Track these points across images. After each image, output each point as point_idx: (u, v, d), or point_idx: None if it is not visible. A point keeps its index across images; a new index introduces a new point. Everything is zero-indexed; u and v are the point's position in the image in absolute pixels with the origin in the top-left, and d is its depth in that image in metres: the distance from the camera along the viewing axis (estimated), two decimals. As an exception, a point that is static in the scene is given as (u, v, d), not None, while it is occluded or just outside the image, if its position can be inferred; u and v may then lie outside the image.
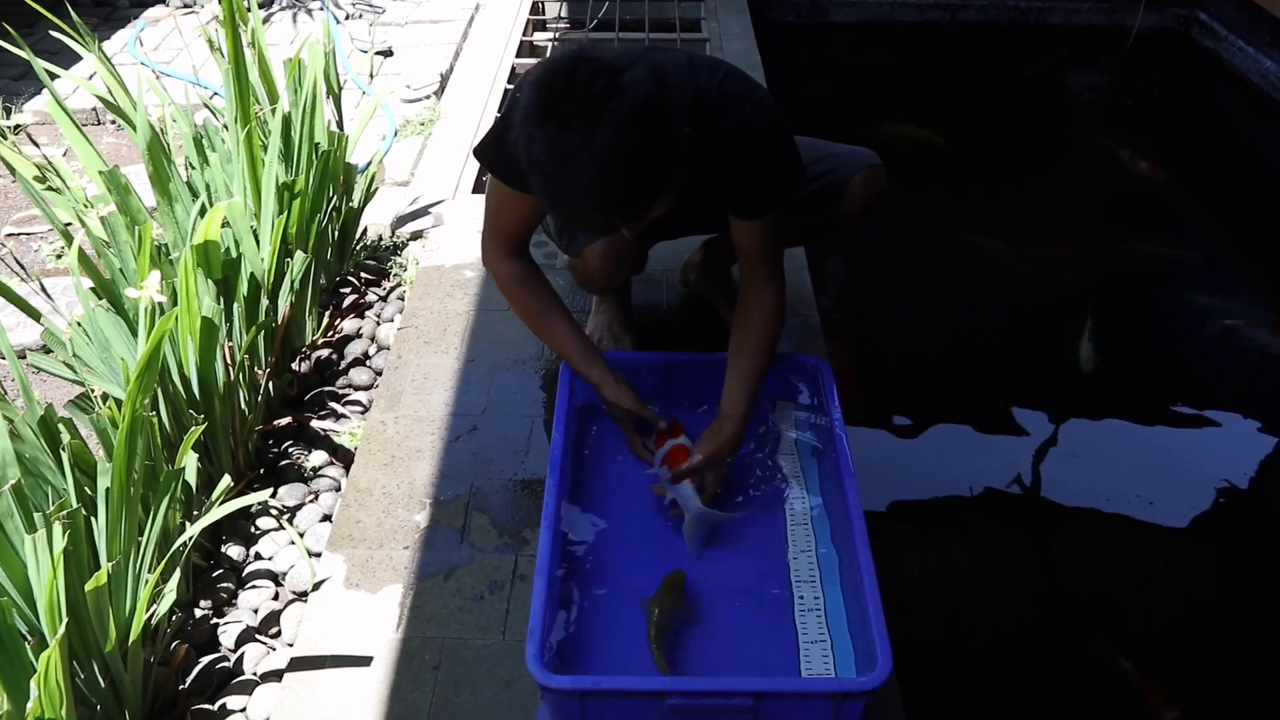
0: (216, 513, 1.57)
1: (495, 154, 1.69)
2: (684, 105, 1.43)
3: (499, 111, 3.48)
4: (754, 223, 1.72)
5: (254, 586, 1.81)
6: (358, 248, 2.67)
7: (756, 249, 1.75)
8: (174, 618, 1.69)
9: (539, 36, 4.25)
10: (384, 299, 2.57)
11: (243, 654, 1.69)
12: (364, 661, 1.61)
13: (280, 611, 1.76)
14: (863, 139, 2.04)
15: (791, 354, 2.14)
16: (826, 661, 1.55)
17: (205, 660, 1.67)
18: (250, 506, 1.89)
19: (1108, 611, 2.20)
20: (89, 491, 1.49)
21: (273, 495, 1.95)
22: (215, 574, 1.82)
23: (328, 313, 2.46)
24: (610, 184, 1.33)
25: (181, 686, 1.63)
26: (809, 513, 1.81)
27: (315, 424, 2.14)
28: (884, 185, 1.95)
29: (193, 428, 1.58)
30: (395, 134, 3.25)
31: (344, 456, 2.09)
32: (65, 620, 1.26)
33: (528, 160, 1.36)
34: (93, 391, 1.73)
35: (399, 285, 2.61)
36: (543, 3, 4.57)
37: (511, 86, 3.69)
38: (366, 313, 2.52)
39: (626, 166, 1.32)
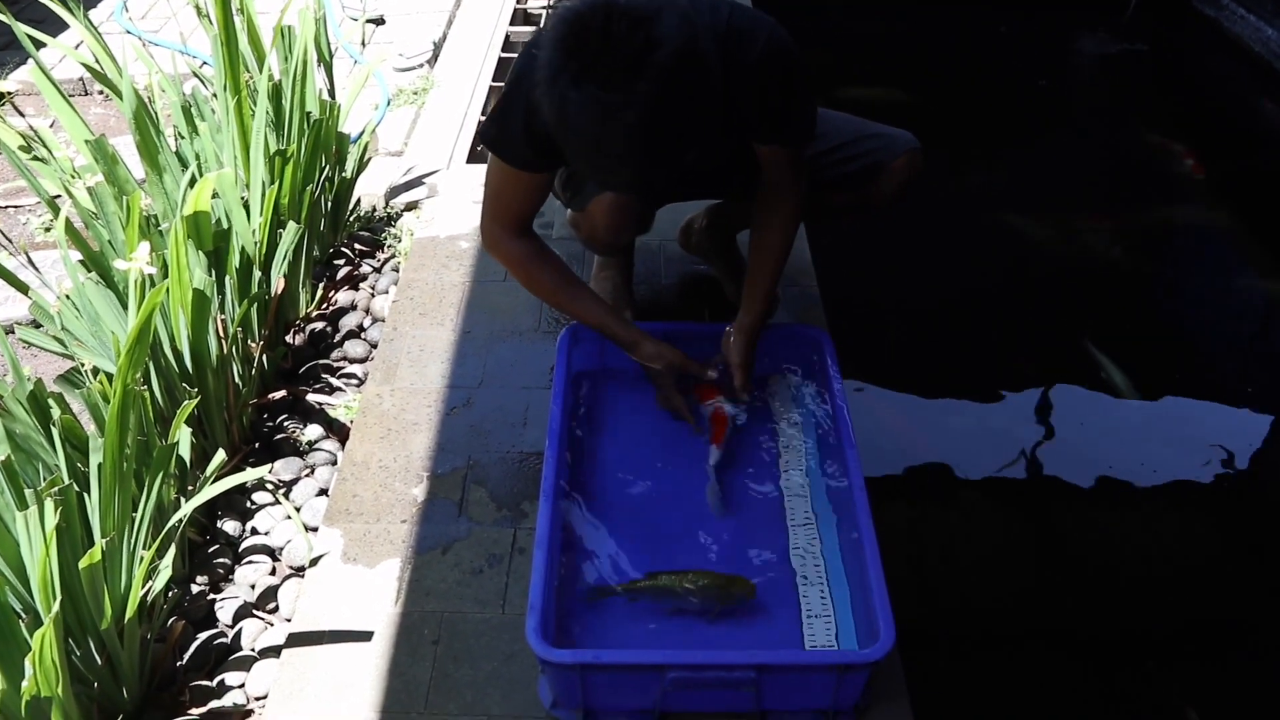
0: (212, 489, 1.55)
1: (498, 133, 1.65)
2: (711, 44, 1.39)
3: (502, 83, 3.43)
4: (788, 150, 1.72)
5: (251, 562, 1.79)
6: (351, 219, 2.64)
7: (787, 159, 1.75)
8: (170, 594, 1.67)
9: (533, 3, 4.19)
10: (378, 270, 2.55)
11: (240, 630, 1.67)
12: (363, 636, 1.60)
13: (277, 587, 1.75)
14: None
15: (791, 324, 2.13)
16: (829, 634, 1.54)
17: (203, 636, 1.66)
18: (246, 482, 1.87)
19: (1110, 585, 2.20)
20: (81, 467, 1.47)
21: (268, 470, 1.93)
22: (211, 549, 1.81)
23: (321, 285, 2.43)
24: (655, 138, 1.31)
25: (179, 663, 1.62)
26: (809, 484, 1.80)
27: (310, 397, 2.11)
28: (922, 169, 1.93)
29: (186, 402, 1.56)
30: (388, 103, 3.21)
31: (339, 430, 2.06)
32: (59, 598, 1.25)
33: (560, 123, 1.33)
34: (83, 366, 1.71)
35: (393, 257, 2.58)
36: (536, -31, 4.51)
37: (509, 55, 3.64)
38: (361, 285, 2.49)
39: (670, 119, 1.30)
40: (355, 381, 2.19)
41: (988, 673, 2.00)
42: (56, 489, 1.26)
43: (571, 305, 1.85)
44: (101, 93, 3.44)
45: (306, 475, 1.97)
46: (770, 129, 1.68)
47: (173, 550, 1.54)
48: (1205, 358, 2.96)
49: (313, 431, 2.05)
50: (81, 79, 3.44)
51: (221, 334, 1.83)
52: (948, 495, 2.38)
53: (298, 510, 1.88)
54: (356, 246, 2.60)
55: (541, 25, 3.88)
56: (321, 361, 2.23)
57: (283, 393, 2.09)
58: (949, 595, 2.15)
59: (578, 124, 1.31)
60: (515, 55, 3.68)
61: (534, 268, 1.83)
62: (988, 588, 2.18)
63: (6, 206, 2.81)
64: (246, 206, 2.01)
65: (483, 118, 3.19)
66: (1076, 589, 2.18)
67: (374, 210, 2.74)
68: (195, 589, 1.74)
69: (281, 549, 1.82)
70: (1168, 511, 2.40)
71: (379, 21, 3.86)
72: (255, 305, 1.96)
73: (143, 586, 1.44)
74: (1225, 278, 3.33)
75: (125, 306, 1.76)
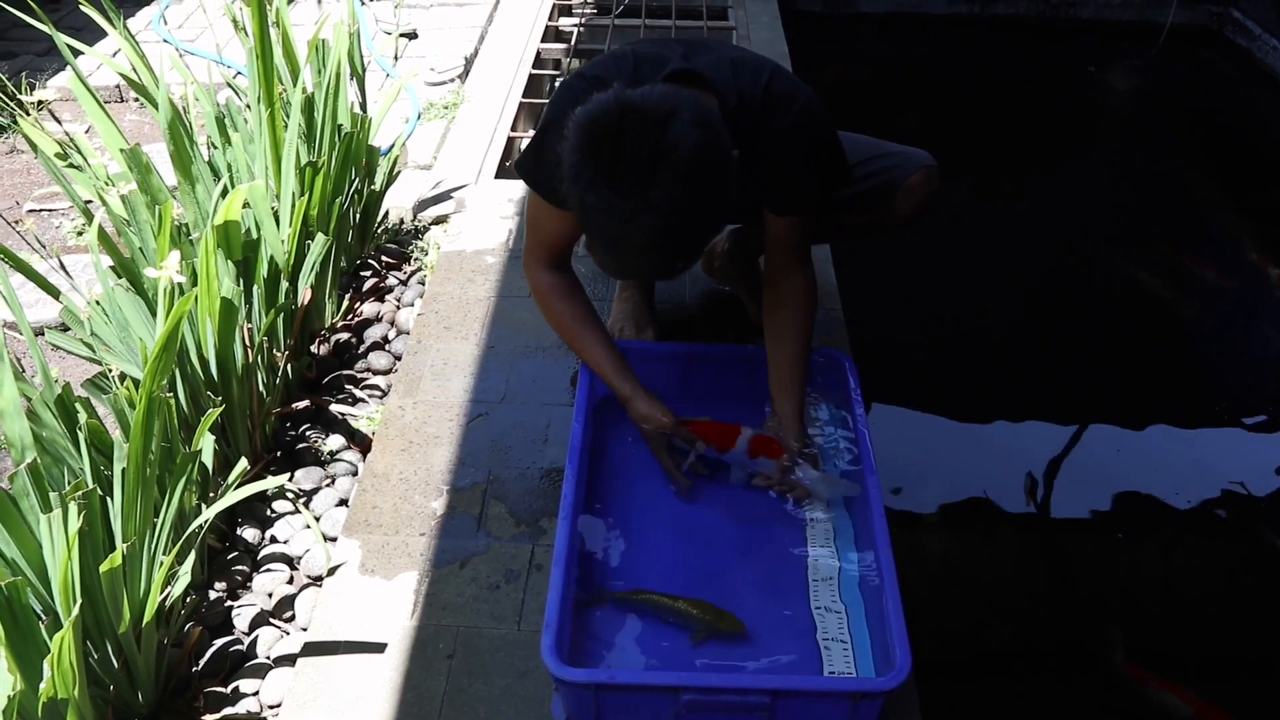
0: (233, 496, 1.56)
1: (534, 167, 1.69)
2: (727, 137, 1.40)
3: (533, 100, 3.45)
4: (792, 219, 1.73)
5: (269, 570, 1.80)
6: (379, 231, 2.66)
7: (791, 240, 1.76)
8: (188, 599, 1.68)
9: (564, 21, 4.22)
10: (404, 283, 2.56)
11: (256, 637, 1.68)
12: (378, 648, 1.60)
13: (295, 596, 1.75)
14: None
15: (814, 348, 2.12)
16: (848, 660, 1.53)
17: (219, 643, 1.66)
18: (267, 490, 1.88)
19: (1127, 615, 2.17)
20: (105, 472, 1.48)
21: (289, 479, 1.94)
22: (230, 556, 1.82)
23: (347, 296, 2.44)
24: (671, 240, 1.35)
25: (195, 668, 1.63)
26: (829, 509, 1.79)
27: (333, 408, 2.13)
28: (938, 187, 1.93)
29: (210, 409, 1.57)
30: (419, 117, 3.24)
31: (361, 441, 2.07)
32: (80, 601, 1.25)
33: (583, 215, 1.37)
34: (110, 371, 1.72)
35: (420, 270, 2.60)
36: (568, -12, 4.54)
37: (540, 71, 3.67)
38: (386, 297, 2.50)
39: (686, 220, 1.34)
40: (378, 393, 2.20)
41: (1002, 702, 1.98)
42: (80, 493, 1.27)
43: (582, 348, 1.84)
44: (136, 100, 3.49)
45: (327, 485, 1.97)
46: (778, 192, 1.69)
47: (192, 556, 1.55)
48: (1229, 389, 2.93)
49: (334, 442, 2.06)
50: (117, 86, 3.49)
51: (247, 343, 1.84)
52: (966, 521, 2.37)
53: (317, 520, 1.88)
54: (383, 259, 2.62)
55: (571, 55, 3.91)
56: (345, 372, 2.24)
57: (306, 403, 2.10)
58: (965, 622, 2.13)
59: (596, 225, 1.36)
60: (545, 72, 3.73)
61: (556, 303, 1.84)
62: (1004, 616, 2.16)
63: (40, 210, 2.85)
64: (276, 217, 2.03)
65: (513, 134, 3.21)
66: (1092, 618, 2.16)
67: (402, 223, 2.76)
68: (213, 595, 1.75)
69: (300, 558, 1.83)
70: (1186, 542, 2.37)
71: (412, 36, 3.90)
72: (282, 315, 1.98)
73: (161, 592, 1.45)
74: (1252, 309, 3.29)
75: (154, 314, 1.78)
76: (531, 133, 3.28)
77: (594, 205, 1.33)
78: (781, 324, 1.81)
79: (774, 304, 1.82)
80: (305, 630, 1.67)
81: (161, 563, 1.47)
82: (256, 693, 1.59)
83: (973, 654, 2.09)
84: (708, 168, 1.33)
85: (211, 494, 1.75)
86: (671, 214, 1.31)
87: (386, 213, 2.72)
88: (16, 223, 2.75)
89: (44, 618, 1.37)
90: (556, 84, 3.93)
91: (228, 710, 1.56)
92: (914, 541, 2.23)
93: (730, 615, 1.58)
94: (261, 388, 1.93)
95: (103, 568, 1.30)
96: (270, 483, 1.60)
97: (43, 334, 2.23)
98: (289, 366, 2.07)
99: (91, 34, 3.54)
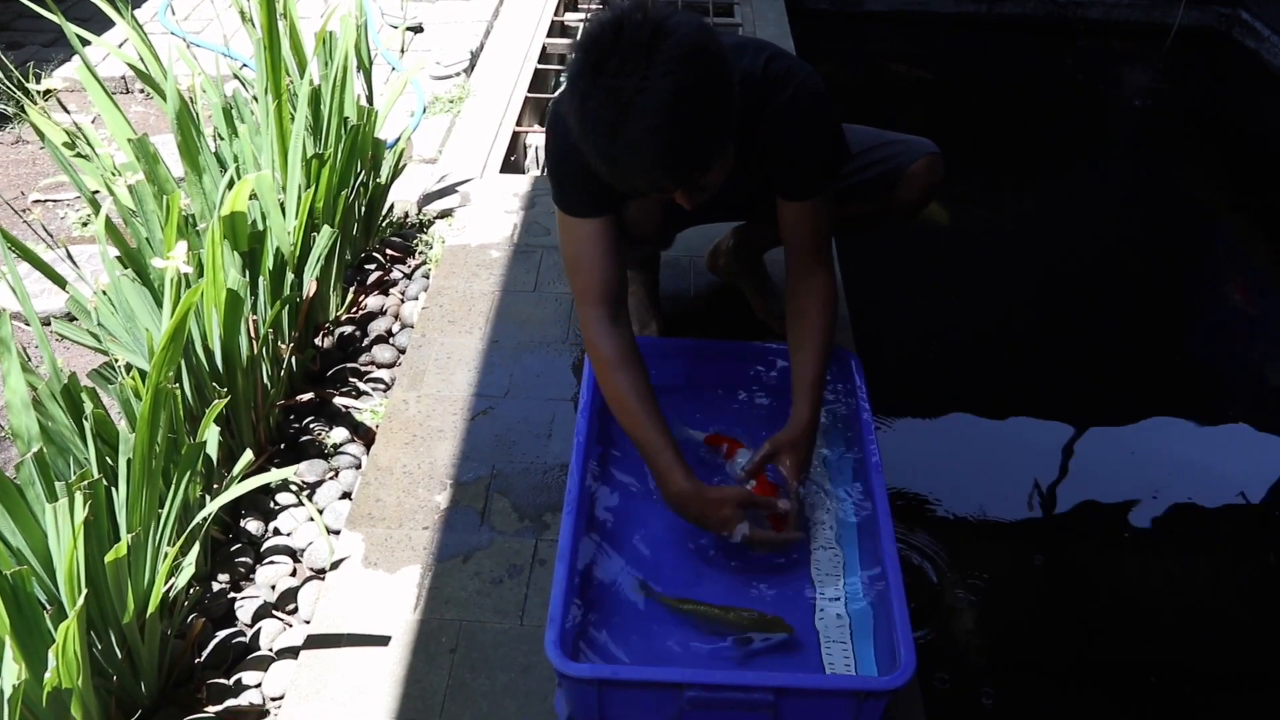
0: (237, 489, 1.56)
1: (558, 189, 1.66)
2: (730, 60, 1.40)
3: (538, 95, 3.45)
4: (804, 205, 1.69)
5: (272, 562, 1.80)
6: (384, 224, 2.65)
7: (806, 232, 1.72)
8: (191, 591, 1.68)
9: (570, 17, 4.22)
10: (409, 276, 2.56)
11: (259, 629, 1.68)
12: (381, 641, 1.60)
13: (298, 588, 1.75)
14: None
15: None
16: (848, 659, 1.53)
17: (221, 634, 1.66)
18: (271, 482, 1.88)
19: (1132, 620, 2.17)
20: (110, 462, 1.48)
21: (294, 473, 1.94)
22: (233, 548, 1.82)
23: (352, 289, 2.44)
24: (670, 125, 1.31)
25: (197, 660, 1.63)
26: (834, 507, 1.78)
27: (337, 400, 2.13)
28: (943, 175, 1.92)
29: (215, 401, 1.57)
30: (424, 110, 3.23)
31: (365, 434, 2.07)
32: (85, 591, 1.25)
33: (582, 123, 1.35)
34: (116, 361, 1.72)
35: (424, 263, 2.59)
36: (575, -17, 4.54)
37: (545, 66, 3.66)
38: (391, 290, 2.50)
39: (685, 106, 1.31)
40: (382, 386, 2.20)
41: (1005, 704, 1.98)
42: (86, 483, 1.27)
43: (634, 427, 1.65)
44: (142, 91, 3.49)
45: (330, 478, 1.97)
46: (786, 175, 1.68)
47: (196, 548, 1.55)
48: (1238, 395, 2.92)
49: (338, 434, 2.06)
50: (124, 77, 3.49)
51: (253, 334, 1.84)
52: (971, 520, 2.36)
53: (320, 513, 1.88)
54: (388, 252, 2.61)
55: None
56: (349, 365, 2.24)
57: (310, 395, 2.10)
58: (969, 623, 2.13)
59: (598, 117, 1.32)
60: (551, 67, 3.72)
61: (620, 377, 1.66)
62: (1008, 618, 2.16)
63: (45, 200, 2.85)
64: (282, 209, 2.02)
65: (518, 128, 3.21)
66: (1097, 622, 2.15)
67: (406, 216, 2.76)
68: (216, 587, 1.75)
69: (303, 550, 1.83)
70: (1194, 549, 2.37)
71: (417, 29, 3.89)
72: (287, 307, 1.97)
73: (165, 583, 1.45)
74: (1262, 313, 3.29)
75: (160, 304, 1.78)
76: (538, 126, 3.29)
77: (594, 95, 1.31)
78: (802, 336, 1.73)
79: (796, 312, 1.74)
80: (308, 623, 1.68)
81: (166, 554, 1.47)
82: (259, 684, 1.59)
83: (975, 654, 2.09)
84: (707, 60, 1.33)
85: (216, 485, 1.75)
86: (669, 97, 1.29)
87: (391, 206, 2.72)
88: (24, 211, 2.75)
89: (48, 607, 1.37)
90: (561, 79, 3.93)
91: (230, 702, 1.56)
92: (919, 539, 2.22)
93: (779, 620, 1.55)
94: (266, 380, 1.93)
95: (108, 558, 1.30)
96: (274, 475, 1.60)
97: (49, 324, 2.23)
98: (293, 359, 2.07)
99: (98, 24, 3.54)
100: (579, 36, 1.35)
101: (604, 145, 1.36)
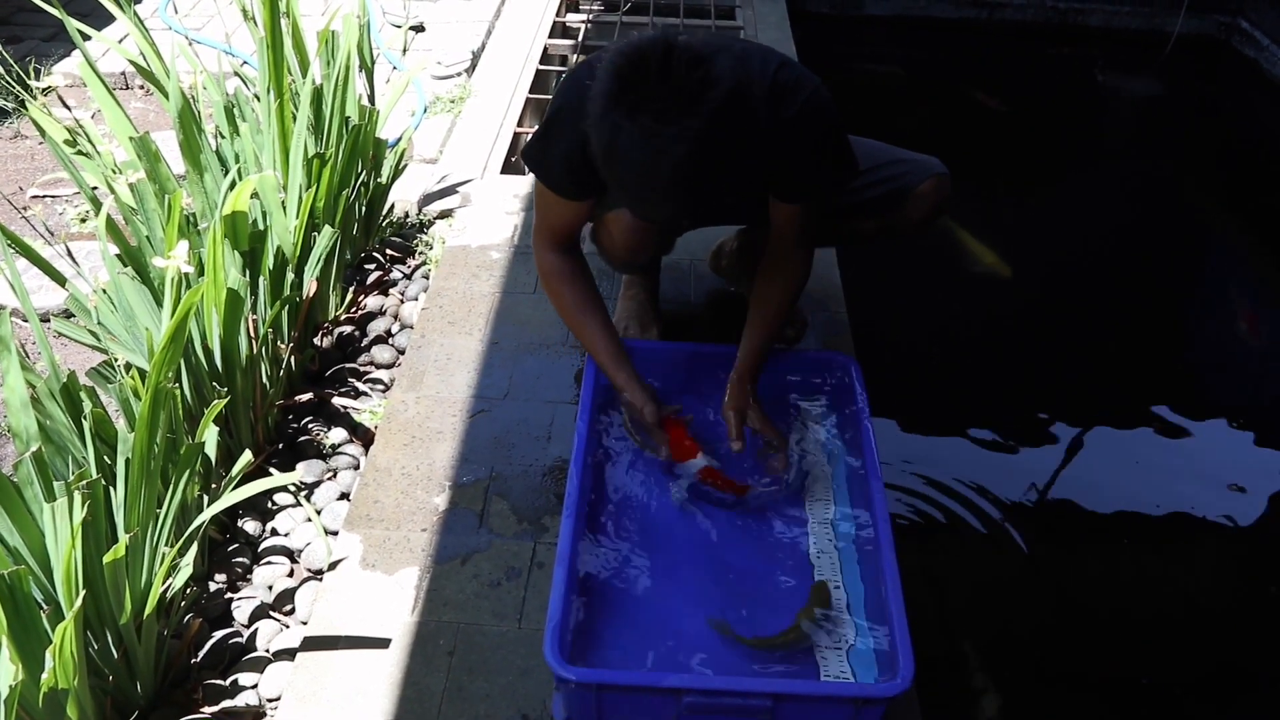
0: (235, 495, 1.55)
1: (541, 156, 1.70)
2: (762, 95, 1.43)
3: (539, 95, 3.44)
4: (796, 206, 1.73)
5: (269, 563, 1.79)
6: (384, 224, 2.65)
7: (793, 228, 1.77)
8: (188, 591, 1.67)
9: (571, 18, 4.22)
10: (408, 277, 2.55)
11: (256, 630, 1.67)
12: (378, 643, 1.59)
13: (295, 589, 1.75)
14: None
15: (819, 351, 2.12)
16: (842, 665, 1.53)
17: (218, 635, 1.66)
18: (270, 488, 1.88)
19: (1129, 626, 2.17)
20: (108, 462, 1.48)
21: (297, 479, 1.93)
22: (231, 548, 1.81)
23: (352, 289, 2.44)
24: (699, 174, 1.34)
25: (194, 660, 1.62)
26: (832, 513, 1.78)
27: (336, 401, 2.12)
28: (950, 195, 1.92)
29: (215, 401, 1.56)
30: (425, 110, 3.23)
31: (363, 435, 2.07)
32: (83, 592, 1.25)
33: (608, 152, 1.36)
34: (115, 360, 1.72)
35: (424, 264, 2.59)
36: (576, -16, 4.53)
37: (546, 68, 3.66)
38: (390, 290, 2.50)
39: (716, 157, 1.34)
40: (381, 387, 2.19)
41: (1003, 711, 1.98)
42: (84, 483, 1.27)
43: (582, 331, 1.86)
44: (142, 87, 3.48)
45: (329, 479, 1.97)
46: (784, 180, 1.70)
47: (194, 548, 1.54)
48: (1235, 399, 2.93)
49: (337, 435, 2.05)
50: (123, 73, 3.48)
51: (252, 334, 1.84)
52: (969, 525, 2.36)
53: (318, 513, 1.88)
54: (388, 252, 2.61)
55: (578, 52, 3.90)
56: (348, 365, 2.23)
57: (309, 395, 2.10)
58: (966, 630, 2.13)
59: (627, 154, 1.33)
60: (552, 68, 3.72)
61: (560, 284, 1.85)
62: (1006, 624, 2.16)
63: (44, 197, 2.84)
64: (283, 208, 2.02)
65: (519, 129, 3.20)
66: (1095, 628, 2.16)
67: (407, 216, 2.75)
68: (213, 587, 1.75)
69: (301, 551, 1.82)
70: (1192, 553, 2.37)
71: (419, 29, 3.89)
72: (287, 307, 1.97)
73: (163, 583, 1.44)
74: (1260, 319, 3.29)
75: (160, 303, 1.77)
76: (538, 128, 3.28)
77: (628, 132, 1.31)
78: (763, 302, 1.84)
79: (765, 281, 1.84)
80: (305, 624, 1.67)
81: (163, 555, 1.46)
82: (255, 686, 1.59)
83: (973, 661, 2.09)
84: (742, 109, 1.35)
85: (214, 485, 1.74)
86: (704, 147, 1.31)
87: (392, 206, 2.72)
88: (25, 208, 2.74)
89: (45, 607, 1.36)
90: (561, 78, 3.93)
91: (226, 703, 1.55)
92: (917, 545, 2.22)
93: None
94: (265, 379, 1.93)
95: (106, 558, 1.30)
96: (275, 481, 1.59)
97: (48, 321, 2.22)
98: (292, 359, 2.06)
99: (98, 20, 3.53)
100: (619, 51, 1.34)
101: (629, 180, 1.38)
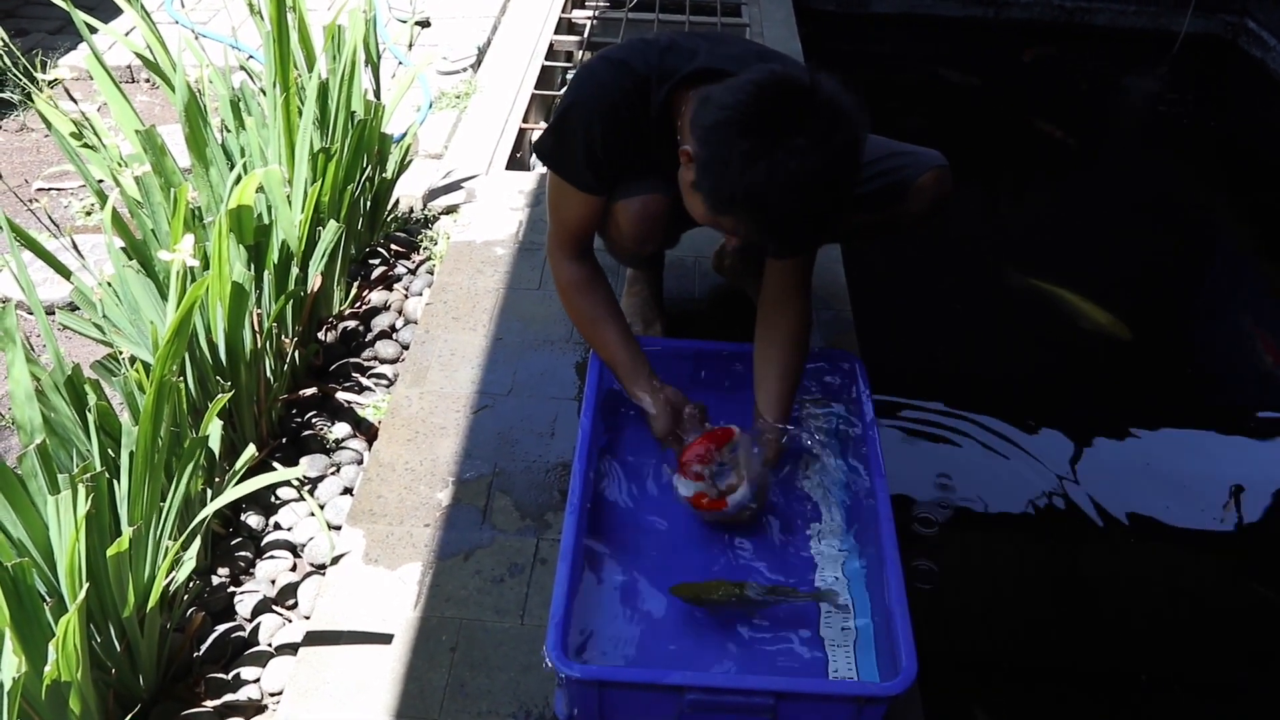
0: (239, 489, 1.55)
1: (555, 148, 1.70)
2: None
3: (545, 91, 3.44)
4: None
5: (272, 557, 1.80)
6: (389, 219, 2.65)
7: (795, 278, 1.80)
8: (191, 585, 1.67)
9: (577, 14, 4.21)
10: (413, 272, 2.55)
11: (259, 624, 1.68)
12: (380, 639, 1.59)
13: (298, 584, 1.75)
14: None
15: (823, 349, 2.12)
16: (849, 664, 1.53)
17: (221, 629, 1.66)
18: (274, 483, 1.88)
19: (1132, 625, 2.17)
20: (112, 455, 1.48)
21: (301, 475, 1.93)
22: (234, 542, 1.81)
23: (356, 283, 2.44)
24: (840, 186, 1.42)
25: (196, 654, 1.63)
26: (837, 512, 1.78)
27: (340, 395, 2.12)
28: (951, 188, 1.92)
29: (219, 395, 1.56)
30: (430, 106, 3.22)
31: (367, 430, 2.07)
32: (86, 585, 1.25)
33: (746, 175, 1.39)
34: (120, 353, 1.72)
35: (429, 259, 2.59)
36: (582, -20, 4.53)
37: (552, 63, 3.65)
38: (395, 285, 2.50)
39: (851, 166, 1.43)
40: (385, 382, 2.19)
41: (1006, 710, 1.98)
42: (88, 476, 1.27)
43: (601, 344, 1.86)
44: (148, 81, 3.48)
45: (332, 473, 1.97)
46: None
47: (197, 542, 1.54)
48: (1238, 399, 2.92)
49: (340, 430, 2.06)
50: (129, 67, 3.48)
51: (257, 328, 1.84)
52: (973, 524, 2.36)
53: (321, 508, 1.88)
54: (393, 247, 2.61)
55: (584, 48, 3.89)
56: (352, 360, 2.24)
57: (313, 389, 2.10)
58: (969, 628, 2.13)
59: (792, 182, 1.37)
60: (558, 64, 3.72)
61: (578, 296, 1.86)
62: (1008, 623, 2.16)
63: (49, 189, 2.84)
64: (288, 202, 2.02)
65: (525, 125, 3.20)
66: (1098, 628, 2.15)
67: (411, 212, 2.75)
68: (216, 580, 1.75)
69: (303, 546, 1.82)
70: (1194, 554, 2.37)
71: (425, 24, 3.89)
72: (291, 302, 1.97)
73: (166, 577, 1.44)
74: (1263, 319, 3.28)
75: (164, 296, 1.77)
76: (543, 124, 3.28)
77: (789, 160, 1.36)
78: (768, 358, 1.83)
79: (765, 334, 1.84)
80: (308, 618, 1.67)
81: (167, 548, 1.46)
82: (257, 680, 1.59)
83: (975, 660, 2.09)
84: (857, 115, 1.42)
85: (217, 479, 1.74)
86: (846, 157, 1.40)
87: (397, 201, 2.72)
88: (30, 201, 2.74)
89: (48, 600, 1.36)
90: (568, 76, 3.92)
91: (228, 696, 1.55)
92: (921, 544, 2.22)
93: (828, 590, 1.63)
94: (269, 374, 1.93)
95: (110, 552, 1.30)
96: (278, 475, 1.59)
97: (53, 313, 2.22)
98: (296, 353, 2.07)
99: (104, 12, 3.53)
100: (754, 86, 1.40)
101: (788, 206, 1.41)
